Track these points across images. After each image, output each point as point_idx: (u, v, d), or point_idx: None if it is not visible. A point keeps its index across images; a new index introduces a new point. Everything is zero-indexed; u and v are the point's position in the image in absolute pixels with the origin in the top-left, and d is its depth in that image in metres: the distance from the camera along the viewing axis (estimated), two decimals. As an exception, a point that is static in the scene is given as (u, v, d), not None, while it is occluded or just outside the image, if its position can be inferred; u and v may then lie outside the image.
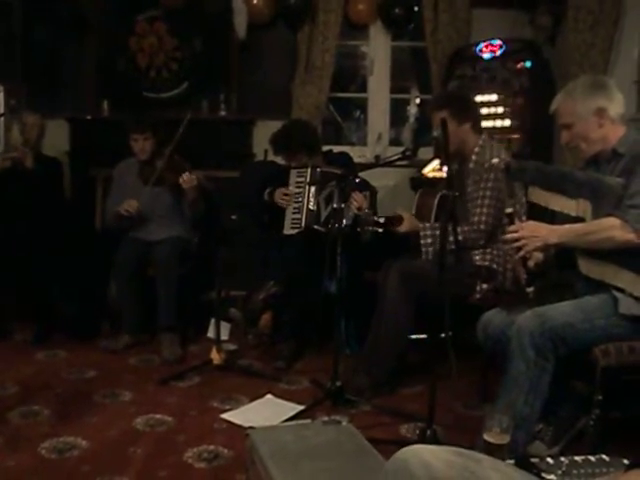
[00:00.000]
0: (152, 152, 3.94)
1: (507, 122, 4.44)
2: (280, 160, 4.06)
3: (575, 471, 1.49)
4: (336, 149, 4.32)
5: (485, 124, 4.54)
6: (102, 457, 2.56)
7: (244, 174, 4.45)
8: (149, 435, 2.76)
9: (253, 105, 5.03)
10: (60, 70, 4.98)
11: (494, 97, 4.50)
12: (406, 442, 2.64)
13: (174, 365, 3.55)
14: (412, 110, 5.56)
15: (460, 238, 2.82)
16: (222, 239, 3.52)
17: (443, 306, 2.47)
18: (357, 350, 3.61)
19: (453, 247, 2.69)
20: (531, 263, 2.49)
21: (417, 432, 2.68)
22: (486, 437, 1.67)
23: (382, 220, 3.15)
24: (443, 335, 2.57)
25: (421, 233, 3.18)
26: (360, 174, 3.57)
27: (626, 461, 1.46)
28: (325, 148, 4.16)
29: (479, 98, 4.45)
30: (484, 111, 4.61)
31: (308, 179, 3.81)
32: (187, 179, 3.73)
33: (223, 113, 4.99)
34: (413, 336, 3.30)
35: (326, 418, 2.81)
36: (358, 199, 3.53)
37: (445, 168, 2.59)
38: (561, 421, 2.58)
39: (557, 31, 4.67)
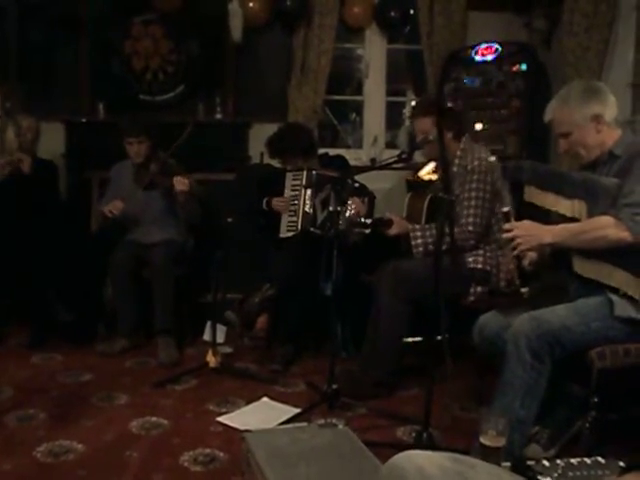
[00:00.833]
0: (147, 155, 3.93)
1: (503, 125, 4.45)
2: (276, 163, 4.05)
3: (571, 473, 1.50)
4: (332, 152, 4.33)
5: (480, 127, 4.58)
6: (98, 461, 2.55)
7: (240, 177, 4.45)
8: (145, 438, 2.75)
9: (249, 108, 5.03)
10: (55, 73, 4.96)
11: (490, 100, 4.51)
12: (402, 445, 2.65)
13: (170, 368, 3.54)
14: (408, 113, 5.56)
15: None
16: (218, 242, 3.52)
17: (438, 309, 2.47)
18: (353, 353, 3.61)
19: (445, 247, 2.69)
20: (525, 262, 2.49)
21: (413, 435, 2.68)
22: (482, 440, 1.68)
23: (368, 221, 3.16)
24: (439, 338, 2.57)
25: (411, 234, 3.21)
26: (356, 177, 3.55)
27: (622, 463, 1.47)
28: (321, 151, 4.16)
29: (474, 101, 4.47)
30: (479, 114, 4.63)
31: (304, 182, 3.82)
32: (178, 183, 3.72)
33: (219, 116, 4.99)
34: (409, 339, 3.30)
35: (322, 421, 2.79)
36: (357, 205, 3.46)
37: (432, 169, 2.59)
38: (557, 423, 2.59)
39: (552, 34, 4.69)
